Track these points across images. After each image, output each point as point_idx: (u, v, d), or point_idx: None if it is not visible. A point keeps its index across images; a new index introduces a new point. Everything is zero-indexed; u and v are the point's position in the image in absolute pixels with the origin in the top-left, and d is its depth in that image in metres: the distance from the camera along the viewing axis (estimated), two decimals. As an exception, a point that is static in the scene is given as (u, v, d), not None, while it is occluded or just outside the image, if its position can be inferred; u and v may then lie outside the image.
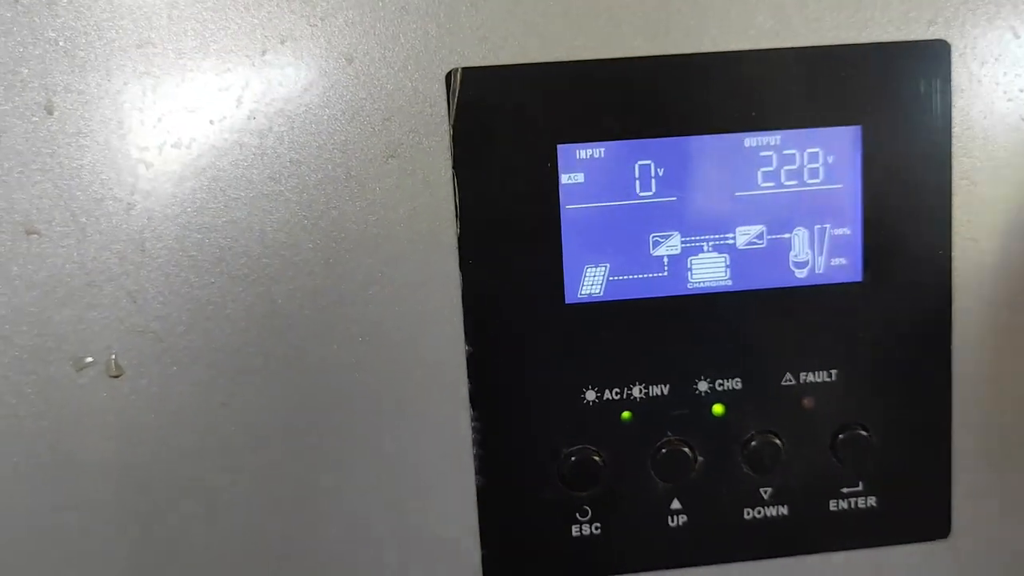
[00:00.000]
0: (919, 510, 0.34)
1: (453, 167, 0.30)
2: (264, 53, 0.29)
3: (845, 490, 0.33)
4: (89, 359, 0.30)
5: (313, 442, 0.31)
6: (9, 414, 0.30)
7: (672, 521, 0.33)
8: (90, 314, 0.30)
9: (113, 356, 0.30)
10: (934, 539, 0.34)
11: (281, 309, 0.31)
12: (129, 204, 0.30)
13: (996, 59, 0.32)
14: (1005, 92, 0.32)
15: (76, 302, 0.30)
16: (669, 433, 0.33)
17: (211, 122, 0.30)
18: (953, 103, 0.32)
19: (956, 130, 0.32)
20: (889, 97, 0.31)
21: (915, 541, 0.34)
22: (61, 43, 0.29)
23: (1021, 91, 0.32)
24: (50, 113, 0.29)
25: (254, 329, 0.31)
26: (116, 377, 0.30)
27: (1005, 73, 0.32)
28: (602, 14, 0.30)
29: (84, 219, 0.30)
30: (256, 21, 0.29)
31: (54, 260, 0.30)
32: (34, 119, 0.29)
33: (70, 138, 0.29)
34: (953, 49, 0.31)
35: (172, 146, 0.30)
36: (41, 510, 0.31)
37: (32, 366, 0.30)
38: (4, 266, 0.29)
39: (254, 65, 0.30)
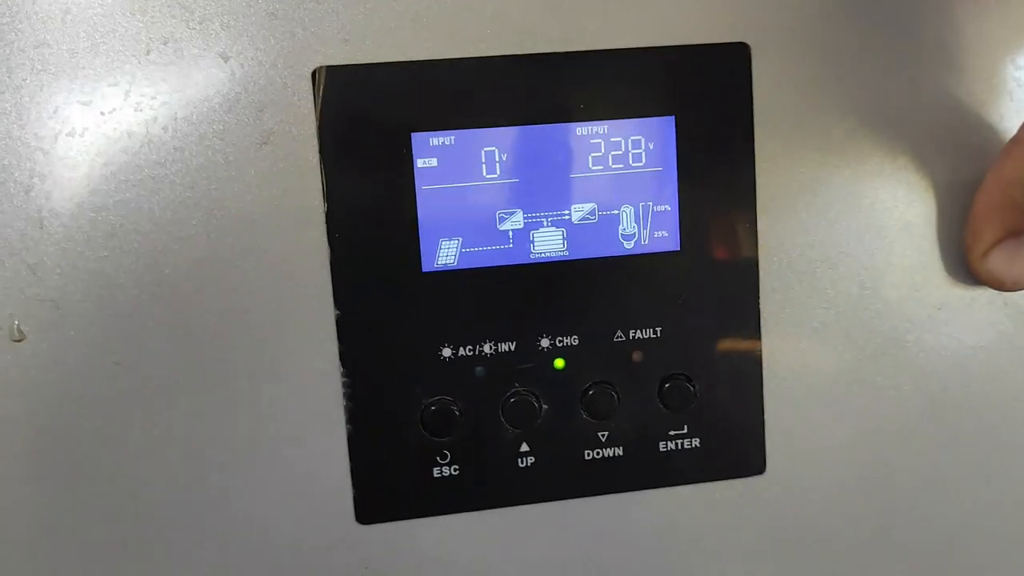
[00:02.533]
0: (737, 449, 0.40)
1: (320, 153, 0.35)
2: (148, 52, 0.34)
3: (672, 433, 0.39)
4: (-7, 325, 0.34)
5: (197, 397, 0.36)
6: (-80, 375, 0.34)
7: (521, 463, 0.38)
8: (-6, 285, 0.34)
9: (16, 323, 0.34)
10: (752, 475, 0.40)
11: (168, 279, 0.35)
12: (28, 186, 0.34)
13: (793, 57, 0.37)
14: (800, 88, 0.38)
15: (-19, 274, 0.34)
16: (517, 385, 0.38)
17: (102, 113, 0.34)
18: (755, 95, 0.37)
19: (758, 119, 0.37)
20: (698, 91, 0.37)
21: (735, 477, 0.40)
22: (-36, 44, 0.33)
23: (815, 86, 0.38)
24: (-46, 106, 0.33)
25: (144, 297, 0.35)
26: (19, 341, 0.34)
27: (802, 70, 0.38)
28: (448, 20, 0.35)
29: (-13, 200, 0.34)
30: (140, 24, 0.34)
31: (-40, 237, 0.34)
32: (-60, 111, 0.33)
33: (-27, 128, 0.33)
34: (753, 49, 0.37)
35: (67, 135, 0.34)
36: (-49, 462, 0.35)
37: (-59, 332, 0.34)
38: (-86, 242, 0.33)
39: (140, 63, 0.34)
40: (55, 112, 0.34)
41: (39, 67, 0.33)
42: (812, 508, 0.41)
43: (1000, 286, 0.38)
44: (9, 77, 0.33)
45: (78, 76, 0.34)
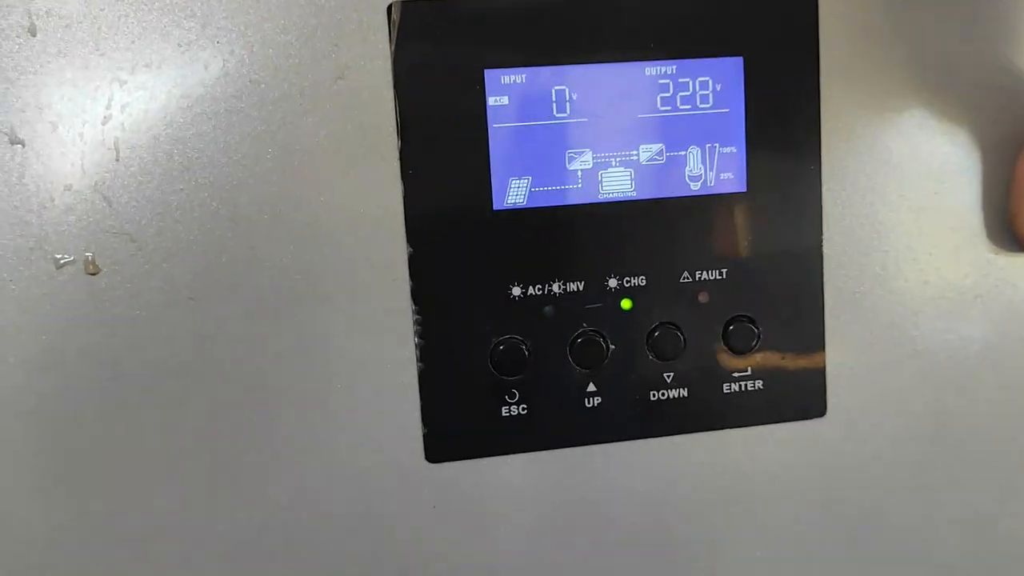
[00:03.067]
0: (799, 392, 0.40)
1: (394, 89, 0.35)
2: (227, -15, 0.34)
3: (736, 374, 0.39)
4: (69, 258, 0.34)
5: (270, 332, 0.36)
6: (-5, 307, 0.34)
7: (588, 402, 0.38)
8: (68, 217, 0.34)
9: (89, 255, 0.34)
10: (812, 418, 0.40)
11: (243, 213, 0.35)
12: (105, 117, 0.34)
13: None
14: (867, 28, 0.38)
15: (56, 206, 0.34)
16: (585, 325, 0.38)
17: (179, 45, 0.34)
18: (821, 36, 0.38)
19: (823, 60, 0.38)
20: (766, 31, 0.37)
21: (796, 419, 0.40)
22: (44, -28, 0.33)
23: (879, 26, 0.38)
24: (33, 35, 0.33)
25: (219, 231, 0.35)
26: (94, 274, 0.34)
27: (869, 11, 0.38)
28: (522, -43, 0.36)
29: (64, 130, 0.34)
30: (220, -44, 0.34)
31: (36, 168, 0.34)
32: (19, 40, 0.33)
33: (51, 57, 0.33)
34: (819, -8, 0.38)
35: (144, 66, 0.34)
36: (24, 396, 0.35)
37: (15, 264, 0.34)
38: (-9, 172, 0.33)
39: (218, -4, 0.34)
40: (132, 43, 0.34)
41: (117, -2, 0.34)
42: (871, 451, 0.41)
43: None
44: (87, 7, 0.33)
45: (155, 7, 0.34)
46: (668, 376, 0.39)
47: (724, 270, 0.39)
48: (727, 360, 0.39)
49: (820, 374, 0.40)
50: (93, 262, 0.34)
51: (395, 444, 0.37)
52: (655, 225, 0.38)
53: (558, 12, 0.36)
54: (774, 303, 0.39)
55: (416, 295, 0.37)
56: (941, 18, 0.39)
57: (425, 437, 0.37)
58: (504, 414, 0.38)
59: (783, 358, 0.40)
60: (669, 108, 0.37)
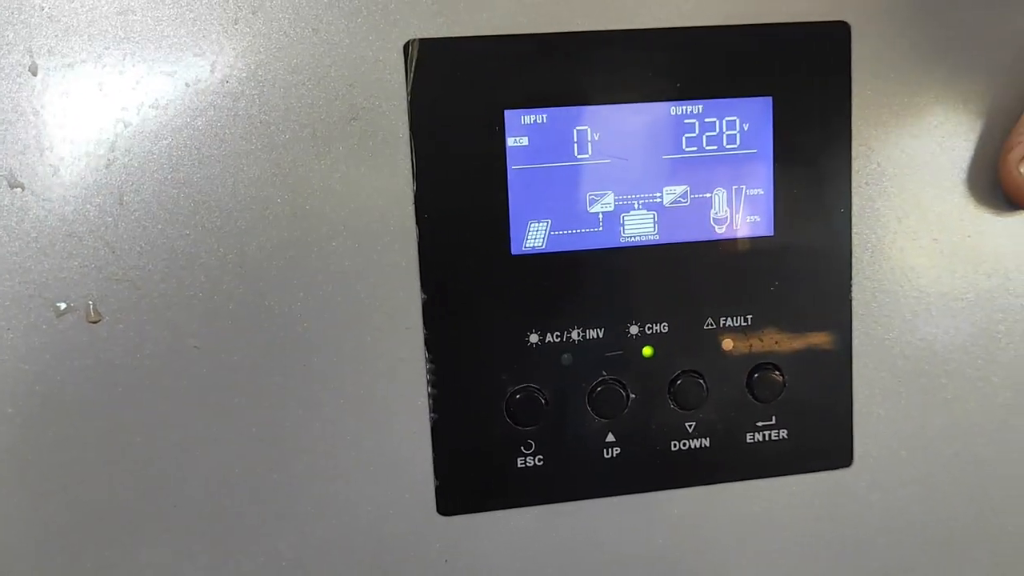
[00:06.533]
0: (824, 442, 0.40)
1: (410, 130, 0.35)
2: (236, 22, 0.34)
3: (760, 423, 0.39)
4: (69, 305, 0.34)
5: (280, 382, 0.36)
6: (-8, 357, 0.34)
7: (607, 453, 0.38)
8: (70, 263, 0.34)
9: (91, 303, 0.34)
10: (838, 468, 0.40)
11: (251, 259, 0.35)
12: (109, 160, 0.34)
13: (892, 38, 0.38)
14: (898, 70, 0.38)
15: (57, 252, 0.34)
16: (604, 373, 0.38)
17: (187, 85, 0.34)
18: (853, 77, 0.38)
19: (855, 101, 0.38)
20: (797, 71, 0.37)
21: (822, 470, 0.40)
22: (46, 9, 0.33)
23: (913, 68, 0.38)
24: (34, 74, 0.33)
25: (226, 278, 0.35)
26: (95, 322, 0.34)
27: (900, 52, 0.38)
28: (544, -7, 0.35)
29: (65, 174, 0.33)
30: (229, -8, 0.34)
31: (36, 212, 0.33)
32: (19, 79, 0.33)
33: (53, 98, 0.33)
34: (853, 29, 0.37)
35: (150, 107, 0.34)
36: (23, 449, 0.34)
37: (14, 312, 0.34)
38: (-11, 217, 0.33)
39: (227, 33, 0.34)
40: (138, 83, 0.34)
41: (122, 35, 0.33)
42: (898, 502, 0.41)
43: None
44: (90, 45, 0.33)
45: (163, 45, 0.34)
46: (690, 425, 0.39)
47: (749, 316, 0.39)
48: (751, 409, 0.39)
49: (846, 423, 0.40)
50: (95, 310, 0.34)
51: (406, 496, 0.37)
52: (678, 270, 0.38)
53: (580, 50, 0.36)
54: (800, 350, 0.39)
55: (430, 343, 0.36)
56: (976, 60, 0.39)
57: (437, 489, 0.37)
58: (519, 465, 0.38)
59: (808, 407, 0.40)
60: (695, 149, 0.37)
